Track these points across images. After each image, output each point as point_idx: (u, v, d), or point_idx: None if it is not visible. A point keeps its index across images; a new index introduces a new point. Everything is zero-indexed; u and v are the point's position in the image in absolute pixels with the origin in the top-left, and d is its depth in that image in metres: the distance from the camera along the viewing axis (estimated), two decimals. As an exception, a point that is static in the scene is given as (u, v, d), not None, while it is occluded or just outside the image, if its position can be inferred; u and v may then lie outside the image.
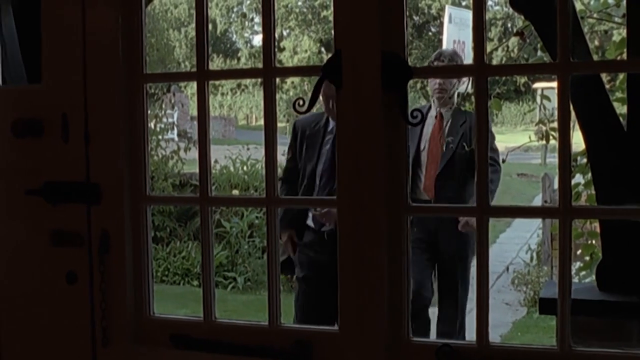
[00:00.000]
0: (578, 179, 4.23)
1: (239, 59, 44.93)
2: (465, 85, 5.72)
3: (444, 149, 5.69)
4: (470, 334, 2.27)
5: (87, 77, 2.54)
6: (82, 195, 2.55)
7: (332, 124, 4.22)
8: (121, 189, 2.51)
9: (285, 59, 41.56)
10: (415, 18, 40.15)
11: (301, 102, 2.25)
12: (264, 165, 2.39)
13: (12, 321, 2.73)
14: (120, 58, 2.51)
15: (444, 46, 11.64)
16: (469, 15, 12.32)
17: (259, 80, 3.40)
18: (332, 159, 3.75)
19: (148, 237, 2.54)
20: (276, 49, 2.39)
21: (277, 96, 2.41)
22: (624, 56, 3.34)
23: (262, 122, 2.36)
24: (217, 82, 27.67)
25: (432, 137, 5.76)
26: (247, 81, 35.85)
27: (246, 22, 47.25)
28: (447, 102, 5.77)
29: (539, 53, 4.67)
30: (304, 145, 5.22)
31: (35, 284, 2.68)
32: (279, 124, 2.47)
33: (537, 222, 12.09)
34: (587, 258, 4.20)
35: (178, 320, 2.57)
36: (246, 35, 47.01)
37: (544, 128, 5.08)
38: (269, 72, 2.35)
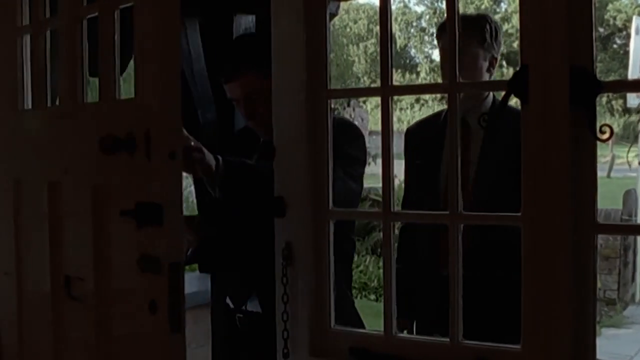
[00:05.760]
0: None
1: (418, 73, 44.79)
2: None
3: None
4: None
5: (274, 92, 2.60)
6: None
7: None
8: (305, 202, 2.55)
9: (463, 73, 41.16)
10: (600, 30, 39.01)
11: (485, 117, 2.22)
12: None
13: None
14: (305, 73, 2.55)
15: (631, 59, 11.20)
16: (657, 26, 11.86)
17: (438, 94, 3.37)
18: None
19: (330, 251, 2.56)
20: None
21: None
22: None
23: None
24: (396, 97, 27.81)
25: None
26: (427, 96, 35.67)
27: (425, 37, 47.12)
28: None
29: None
30: None
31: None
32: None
33: None
34: None
35: (357, 334, 2.58)
36: (425, 50, 46.86)
37: None
38: (453, 87, 2.34)
